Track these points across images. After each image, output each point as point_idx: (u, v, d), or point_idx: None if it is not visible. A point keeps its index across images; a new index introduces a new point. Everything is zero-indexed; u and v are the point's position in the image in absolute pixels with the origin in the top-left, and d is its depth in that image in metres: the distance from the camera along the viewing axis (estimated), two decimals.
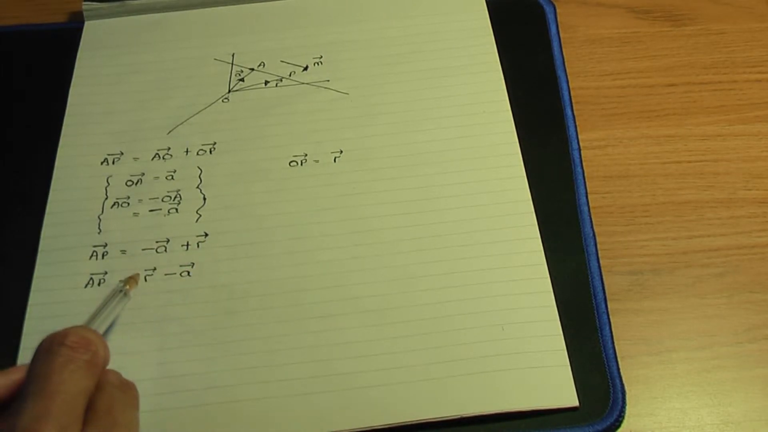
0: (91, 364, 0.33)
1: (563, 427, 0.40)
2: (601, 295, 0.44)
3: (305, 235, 0.46)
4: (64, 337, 0.33)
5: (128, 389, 0.35)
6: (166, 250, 0.46)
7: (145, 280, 0.45)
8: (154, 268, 0.46)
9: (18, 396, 0.32)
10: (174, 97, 0.53)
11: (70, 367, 0.32)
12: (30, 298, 0.45)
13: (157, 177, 0.49)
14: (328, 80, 0.53)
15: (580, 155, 0.50)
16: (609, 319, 0.43)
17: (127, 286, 0.43)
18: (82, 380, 0.32)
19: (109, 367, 0.36)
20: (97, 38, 0.56)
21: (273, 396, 0.41)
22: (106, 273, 0.45)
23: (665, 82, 0.54)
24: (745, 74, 0.54)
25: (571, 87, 0.53)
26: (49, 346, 0.33)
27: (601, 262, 0.45)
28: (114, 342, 0.38)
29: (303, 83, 0.53)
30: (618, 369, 0.42)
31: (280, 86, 0.53)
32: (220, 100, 0.53)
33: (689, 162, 0.50)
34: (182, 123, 0.52)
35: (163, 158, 0.50)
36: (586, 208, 0.47)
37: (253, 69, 0.54)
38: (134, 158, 0.50)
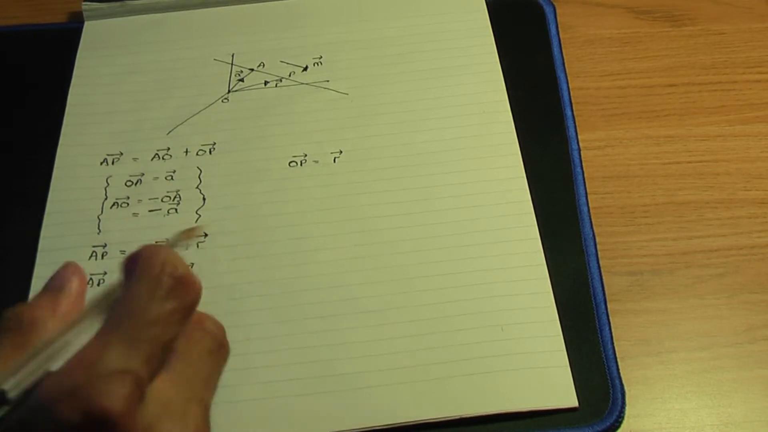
0: (190, 310, 0.29)
1: (563, 428, 0.40)
2: (601, 295, 0.44)
3: (305, 235, 0.46)
4: (175, 267, 0.29)
5: (217, 330, 0.31)
6: None
7: None
8: None
9: (116, 307, 0.29)
10: (174, 98, 0.53)
11: (169, 307, 0.28)
12: (30, 298, 0.44)
13: (157, 177, 0.49)
14: (328, 80, 0.53)
15: (579, 155, 0.50)
16: (609, 319, 0.43)
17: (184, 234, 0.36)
18: (176, 326, 0.29)
19: None
20: (97, 38, 0.56)
21: (273, 396, 0.41)
22: (105, 273, 0.45)
23: (665, 82, 0.54)
24: (745, 74, 0.54)
25: (571, 87, 0.53)
26: (158, 273, 0.28)
27: (601, 262, 0.45)
28: None
29: (303, 83, 0.53)
30: (618, 369, 0.42)
31: (279, 86, 0.53)
32: (220, 100, 0.53)
33: (689, 162, 0.50)
34: (182, 123, 0.52)
35: (163, 158, 0.50)
36: (585, 209, 0.47)
37: (252, 69, 0.54)
38: (134, 158, 0.50)
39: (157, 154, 0.50)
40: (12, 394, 0.26)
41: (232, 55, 0.55)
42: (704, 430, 0.41)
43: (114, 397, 0.25)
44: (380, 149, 0.50)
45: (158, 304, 0.28)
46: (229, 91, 0.53)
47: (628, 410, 0.41)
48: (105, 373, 0.26)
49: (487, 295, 0.43)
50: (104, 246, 0.46)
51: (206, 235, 0.47)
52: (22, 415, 0.26)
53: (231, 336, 0.43)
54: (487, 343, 0.42)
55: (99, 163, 0.50)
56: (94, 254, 0.46)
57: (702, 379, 0.42)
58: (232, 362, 0.42)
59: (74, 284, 0.32)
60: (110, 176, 0.49)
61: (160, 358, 0.28)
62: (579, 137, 0.51)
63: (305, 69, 0.54)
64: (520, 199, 0.47)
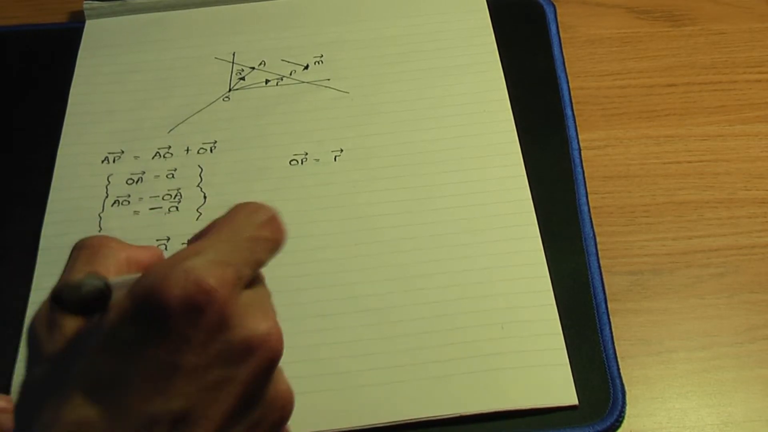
0: (279, 245, 0.33)
1: (563, 427, 0.40)
2: (601, 295, 0.44)
3: (306, 233, 0.46)
4: (269, 208, 0.33)
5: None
6: (166, 249, 0.46)
7: None
8: None
9: (214, 226, 0.32)
10: (175, 96, 0.53)
11: (264, 234, 0.32)
12: (31, 297, 0.45)
13: (158, 175, 0.49)
14: (329, 79, 0.53)
15: (580, 155, 0.50)
16: (609, 319, 0.43)
17: None
18: (265, 252, 0.32)
19: None
20: (98, 37, 0.56)
21: None
22: None
23: (665, 82, 0.54)
24: (745, 74, 0.54)
25: (571, 87, 0.53)
26: (255, 208, 0.33)
27: (601, 262, 0.45)
28: None
29: (304, 82, 0.53)
30: (618, 369, 0.42)
31: (280, 85, 0.53)
32: (221, 98, 0.53)
33: (689, 162, 0.50)
34: (183, 122, 0.52)
35: (164, 157, 0.50)
36: (586, 209, 0.47)
37: (253, 68, 0.54)
38: (135, 157, 0.50)
39: (158, 152, 0.50)
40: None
41: (233, 54, 0.55)
42: (705, 429, 0.41)
43: (220, 279, 0.28)
44: (381, 148, 0.50)
45: (255, 228, 0.31)
46: (230, 90, 0.53)
47: (629, 410, 0.41)
48: (210, 259, 0.28)
49: (488, 294, 0.44)
50: None
51: None
52: (129, 299, 0.28)
53: None
54: (488, 341, 0.42)
55: (100, 162, 0.50)
56: None
57: (702, 378, 0.42)
58: None
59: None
60: (111, 174, 0.49)
61: (252, 274, 0.30)
62: (579, 137, 0.51)
63: (306, 68, 0.54)
64: (520, 197, 0.47)
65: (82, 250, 0.32)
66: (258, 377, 0.29)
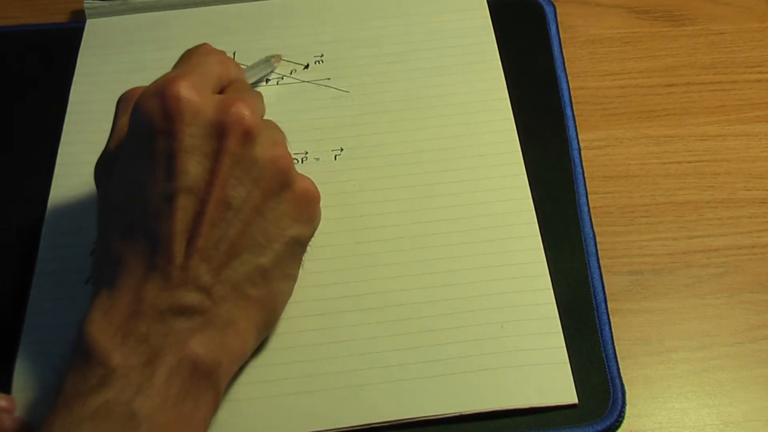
0: (223, 61, 0.43)
1: (563, 427, 0.40)
2: (601, 295, 0.44)
3: None
4: (205, 46, 0.44)
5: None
6: None
7: None
8: None
9: None
10: None
11: (208, 57, 0.42)
12: (30, 296, 0.44)
13: None
14: (329, 78, 0.53)
15: (580, 155, 0.50)
16: (609, 319, 0.43)
17: (274, 59, 0.53)
18: (216, 65, 0.42)
19: None
20: (99, 36, 0.56)
21: (272, 395, 0.41)
22: None
23: (665, 82, 0.54)
24: (745, 74, 0.54)
25: (571, 87, 0.53)
26: (196, 47, 0.43)
27: (601, 262, 0.45)
28: None
29: (304, 81, 0.53)
30: (618, 369, 0.42)
31: (281, 84, 0.53)
32: None
33: (689, 162, 0.50)
34: None
35: None
36: (586, 209, 0.47)
37: None
38: None
39: None
40: None
41: (234, 53, 0.55)
42: (705, 429, 0.41)
43: (184, 80, 0.37)
44: (381, 147, 0.50)
45: (193, 50, 0.43)
46: None
47: (629, 409, 0.41)
48: (175, 74, 0.38)
49: (487, 293, 0.44)
50: None
51: None
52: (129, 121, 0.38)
53: None
54: (487, 340, 0.42)
55: None
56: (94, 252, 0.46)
57: (702, 378, 0.42)
58: None
59: None
60: None
61: (216, 81, 0.41)
62: (579, 137, 0.51)
63: (306, 67, 0.54)
64: (520, 196, 0.47)
65: (121, 103, 0.42)
66: (241, 144, 0.37)
